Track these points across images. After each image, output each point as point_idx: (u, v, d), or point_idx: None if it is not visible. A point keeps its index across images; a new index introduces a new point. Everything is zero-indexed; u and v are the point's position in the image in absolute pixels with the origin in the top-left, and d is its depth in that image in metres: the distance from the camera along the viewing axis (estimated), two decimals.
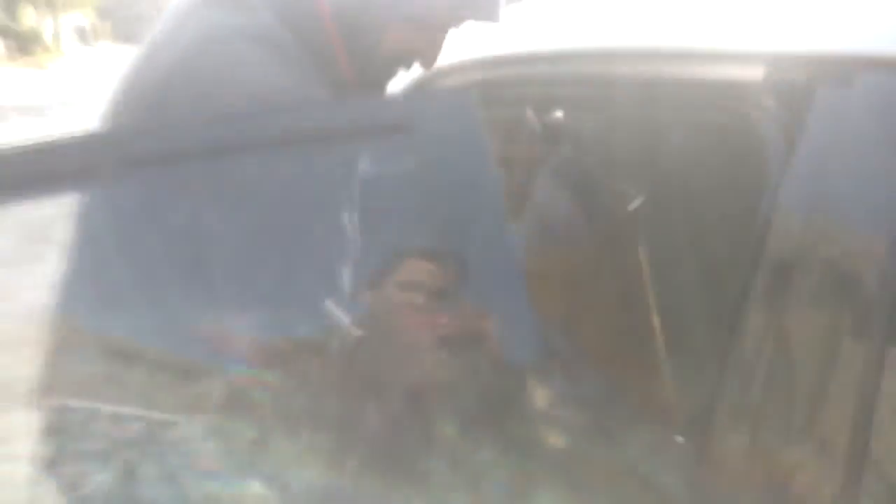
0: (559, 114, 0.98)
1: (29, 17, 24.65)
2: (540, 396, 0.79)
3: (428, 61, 0.95)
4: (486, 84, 0.86)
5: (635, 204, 0.85)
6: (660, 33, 0.72)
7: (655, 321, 0.85)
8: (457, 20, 0.93)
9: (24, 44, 22.54)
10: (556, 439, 0.83)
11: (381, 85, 0.97)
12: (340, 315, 0.98)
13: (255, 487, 0.76)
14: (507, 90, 0.89)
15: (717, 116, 0.65)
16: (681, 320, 0.78)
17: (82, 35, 38.04)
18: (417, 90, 0.99)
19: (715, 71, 0.63)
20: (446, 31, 0.94)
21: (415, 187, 0.69)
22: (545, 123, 0.99)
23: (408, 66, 0.97)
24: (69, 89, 14.09)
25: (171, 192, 0.89)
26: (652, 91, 0.67)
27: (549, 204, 0.98)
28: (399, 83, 1.07)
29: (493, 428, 0.72)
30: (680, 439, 0.68)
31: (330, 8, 0.88)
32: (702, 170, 0.69)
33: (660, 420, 0.74)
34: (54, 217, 0.84)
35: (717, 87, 0.61)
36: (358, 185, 1.02)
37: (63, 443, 0.81)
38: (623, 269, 0.83)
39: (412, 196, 0.70)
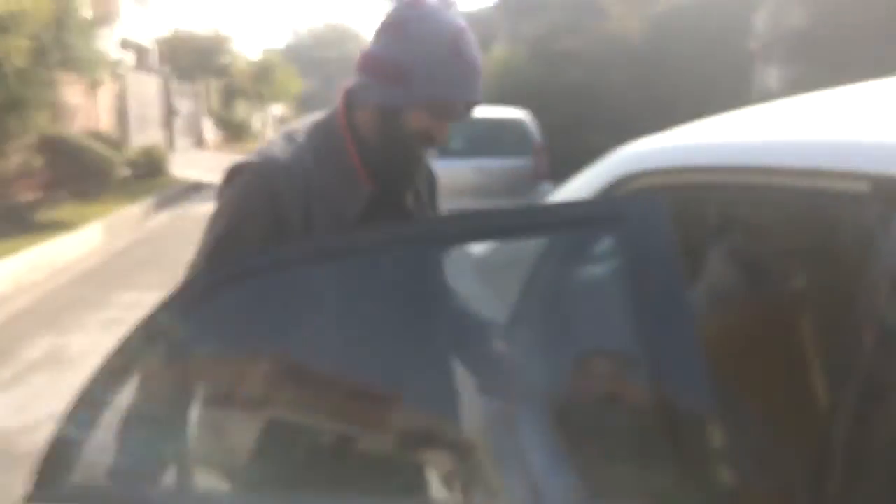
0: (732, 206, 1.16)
1: (241, 110, 28.53)
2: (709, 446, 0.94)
3: (439, 142, 1.24)
4: (677, 187, 1.08)
5: (794, 285, 1.00)
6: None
7: (817, 387, 0.98)
8: (463, 108, 1.24)
9: (237, 132, 26.09)
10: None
11: (405, 162, 1.28)
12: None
13: None
14: (697, 192, 1.09)
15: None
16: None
17: (283, 123, 43.18)
18: (617, 191, 1.22)
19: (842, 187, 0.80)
20: (453, 119, 1.24)
21: (618, 284, 0.87)
22: (721, 214, 1.18)
23: (426, 144, 1.25)
24: None
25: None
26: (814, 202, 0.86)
27: (719, 281, 1.16)
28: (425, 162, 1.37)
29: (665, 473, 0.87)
30: None
31: (375, 101, 1.22)
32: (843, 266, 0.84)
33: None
34: None
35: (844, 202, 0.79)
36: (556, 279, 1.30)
37: None
38: (784, 338, 0.98)
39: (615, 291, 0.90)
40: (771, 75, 6.02)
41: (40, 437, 3.51)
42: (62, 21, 9.80)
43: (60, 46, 9.93)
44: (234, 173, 1.28)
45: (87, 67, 11.36)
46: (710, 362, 0.83)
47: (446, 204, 6.49)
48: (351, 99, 1.28)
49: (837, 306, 0.83)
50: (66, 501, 1.11)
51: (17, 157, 9.23)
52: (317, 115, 1.35)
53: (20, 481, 3.17)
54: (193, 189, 13.96)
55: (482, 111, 9.21)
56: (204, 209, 11.57)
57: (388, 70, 1.19)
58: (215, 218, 1.31)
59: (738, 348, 0.98)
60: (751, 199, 0.95)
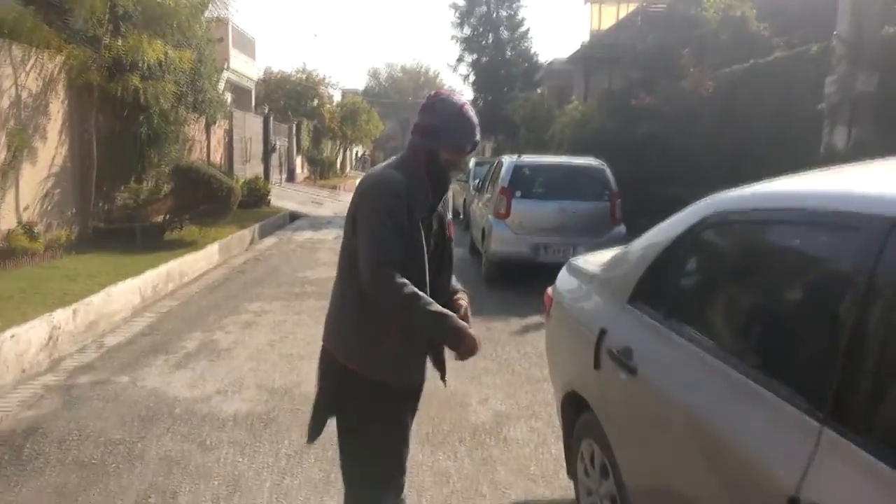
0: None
1: (328, 149, 30.27)
2: None
3: (457, 168, 2.22)
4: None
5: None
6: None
7: None
8: (469, 146, 2.16)
9: (323, 169, 27.70)
10: None
11: (445, 182, 2.22)
12: None
13: None
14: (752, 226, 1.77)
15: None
16: None
17: (363, 162, 45.06)
18: None
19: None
20: (465, 153, 2.19)
21: None
22: None
23: (453, 169, 2.20)
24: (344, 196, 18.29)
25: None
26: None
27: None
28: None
29: None
30: None
31: (424, 155, 2.14)
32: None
33: None
34: None
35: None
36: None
37: None
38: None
39: None
40: (838, 134, 6.47)
41: (212, 405, 4.37)
42: (197, 69, 11.13)
43: (194, 90, 11.26)
44: (378, 184, 2.12)
45: (211, 108, 12.73)
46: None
47: (533, 238, 7.41)
48: (410, 147, 2.22)
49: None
50: None
51: (152, 183, 10.47)
52: (391, 159, 2.27)
53: (205, 432, 4.00)
54: (291, 217, 15.15)
55: (564, 159, 9.82)
56: (304, 236, 12.64)
57: (428, 130, 2.16)
58: (380, 206, 2.06)
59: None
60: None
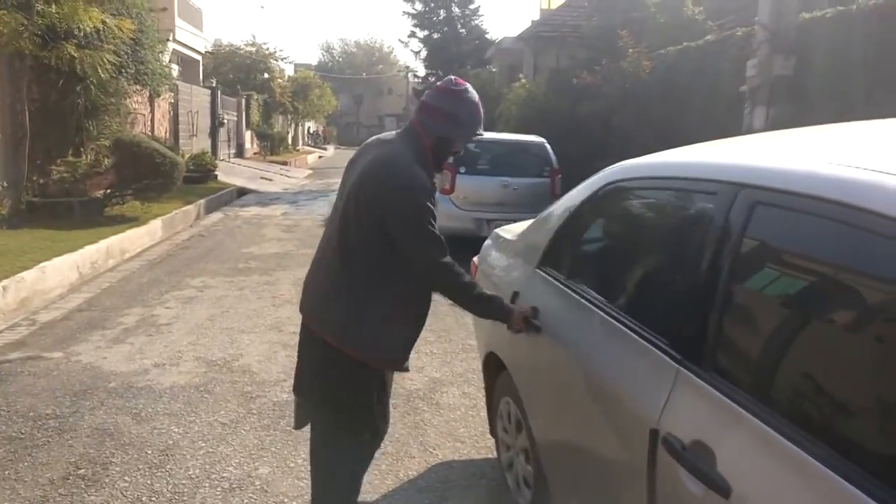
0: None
1: (279, 124, 29.66)
2: None
3: (459, 153, 2.34)
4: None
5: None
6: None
7: None
8: (473, 136, 2.25)
9: (274, 144, 27.17)
10: None
11: (440, 168, 2.28)
12: None
13: None
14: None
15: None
16: None
17: (315, 138, 44.33)
18: None
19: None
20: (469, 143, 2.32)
21: None
22: None
23: (455, 155, 2.33)
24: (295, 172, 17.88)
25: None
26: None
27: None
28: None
29: None
30: None
31: (436, 139, 2.20)
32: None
33: None
34: None
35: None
36: None
37: None
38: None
39: None
40: (757, 115, 6.77)
41: (149, 379, 4.35)
42: (138, 39, 10.76)
43: (136, 61, 10.90)
44: (414, 187, 2.10)
45: (154, 80, 12.34)
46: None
47: (476, 213, 7.50)
48: (419, 129, 2.24)
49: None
50: None
51: (91, 156, 10.13)
52: (398, 138, 2.27)
53: (140, 404, 3.98)
54: (239, 193, 14.89)
55: (507, 136, 9.88)
56: (251, 212, 12.47)
57: (452, 118, 2.19)
58: (424, 209, 2.09)
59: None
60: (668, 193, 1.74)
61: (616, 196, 2.09)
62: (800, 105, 6.48)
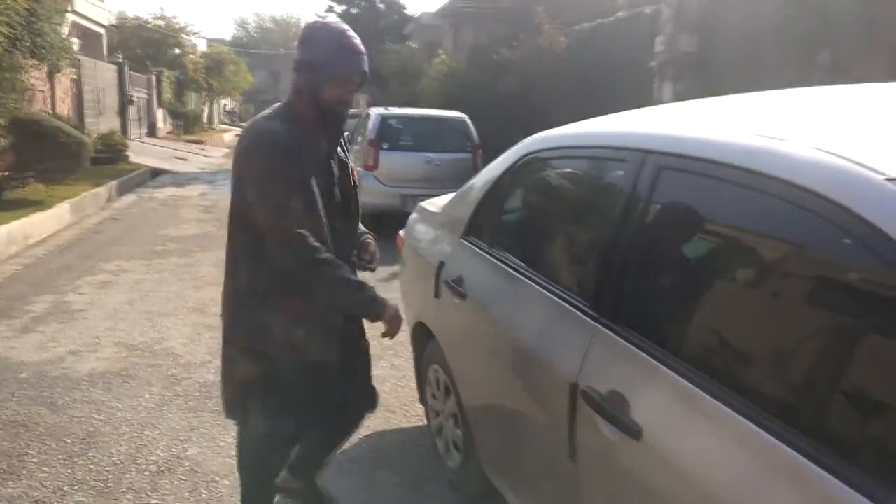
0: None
1: (192, 102, 28.35)
2: None
3: (347, 105, 1.91)
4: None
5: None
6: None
7: None
8: (357, 77, 1.90)
9: (188, 123, 25.99)
10: None
11: (337, 124, 1.96)
12: None
13: None
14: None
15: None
16: None
17: (232, 116, 42.71)
18: None
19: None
20: (354, 86, 1.91)
21: None
22: None
23: (342, 109, 1.93)
24: (212, 151, 17.26)
25: None
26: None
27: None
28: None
29: None
30: None
31: (308, 94, 1.87)
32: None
33: None
34: None
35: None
36: None
37: None
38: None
39: None
40: (665, 89, 7.09)
41: (64, 367, 4.15)
42: (33, 9, 9.97)
43: (31, 33, 10.10)
44: (260, 141, 1.86)
45: (52, 53, 11.49)
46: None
47: (401, 189, 7.48)
48: (293, 92, 1.96)
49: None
50: None
51: None
52: (273, 107, 2.00)
53: (56, 394, 3.82)
54: (153, 174, 14.21)
55: (429, 112, 9.86)
56: (167, 193, 11.94)
57: (304, 66, 1.89)
58: (268, 166, 1.84)
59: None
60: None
61: (533, 166, 2.16)
62: (705, 80, 6.82)
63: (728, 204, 1.41)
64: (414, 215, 3.32)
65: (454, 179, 8.18)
